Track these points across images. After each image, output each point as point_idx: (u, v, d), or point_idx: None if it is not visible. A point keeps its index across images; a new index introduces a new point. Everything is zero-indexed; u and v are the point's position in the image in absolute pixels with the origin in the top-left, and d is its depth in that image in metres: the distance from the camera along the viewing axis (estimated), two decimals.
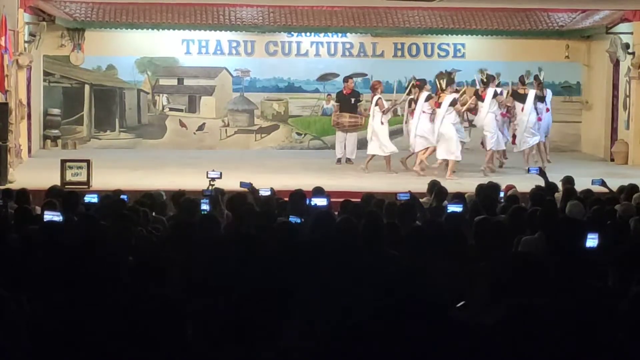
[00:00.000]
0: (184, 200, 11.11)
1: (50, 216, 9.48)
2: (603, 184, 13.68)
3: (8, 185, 15.86)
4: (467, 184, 16.00)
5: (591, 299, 4.76)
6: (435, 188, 13.07)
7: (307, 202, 11.30)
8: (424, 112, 20.03)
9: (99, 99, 25.03)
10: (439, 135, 19.73)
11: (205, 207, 11.05)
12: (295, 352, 3.59)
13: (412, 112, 20.50)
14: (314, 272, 4.50)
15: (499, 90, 20.64)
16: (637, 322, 4.02)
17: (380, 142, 20.35)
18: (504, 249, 8.18)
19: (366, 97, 23.38)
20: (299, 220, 9.44)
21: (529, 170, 14.62)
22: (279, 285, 4.22)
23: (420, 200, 12.69)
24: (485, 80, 20.96)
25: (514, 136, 21.17)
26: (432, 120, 19.94)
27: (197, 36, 25.01)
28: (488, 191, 12.52)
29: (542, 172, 14.16)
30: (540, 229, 8.76)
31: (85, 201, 11.60)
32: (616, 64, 23.55)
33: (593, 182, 13.70)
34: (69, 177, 16.92)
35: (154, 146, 24.94)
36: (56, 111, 24.71)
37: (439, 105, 19.89)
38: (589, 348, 3.33)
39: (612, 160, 23.03)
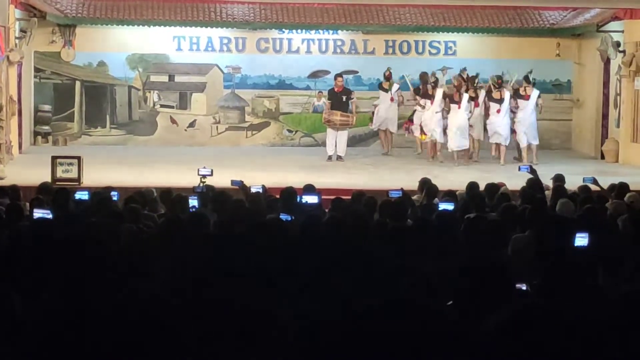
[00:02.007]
0: (175, 197, 11.12)
1: (40, 213, 9.45)
2: (595, 182, 13.67)
3: None
4: (458, 182, 16.00)
5: (581, 298, 4.77)
6: (426, 186, 13.08)
7: (298, 199, 11.30)
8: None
9: (89, 96, 24.99)
10: (531, 125, 22.03)
11: (193, 203, 11.05)
12: (286, 350, 3.59)
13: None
14: (303, 270, 4.50)
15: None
16: (627, 321, 4.03)
17: (465, 135, 21.60)
18: (497, 247, 8.19)
19: (361, 94, 23.40)
20: (289, 218, 9.43)
21: (519, 169, 14.63)
22: (269, 283, 4.22)
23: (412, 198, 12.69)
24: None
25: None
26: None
27: (188, 33, 24.99)
28: (483, 191, 12.53)
29: (532, 170, 14.17)
30: (530, 227, 8.78)
31: (76, 198, 11.57)
32: (607, 62, 23.58)
33: (584, 180, 13.70)
34: (59, 173, 16.89)
35: (144, 143, 24.91)
36: (47, 107, 24.67)
37: (528, 97, 22.00)
38: (579, 347, 3.33)
39: (603, 158, 23.07)
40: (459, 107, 21.54)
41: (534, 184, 13.32)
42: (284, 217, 9.38)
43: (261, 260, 5.50)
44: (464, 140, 21.61)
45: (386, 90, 23.09)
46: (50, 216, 9.26)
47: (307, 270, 4.97)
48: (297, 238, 7.55)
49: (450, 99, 21.77)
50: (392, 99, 22.95)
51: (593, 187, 13.74)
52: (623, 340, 3.92)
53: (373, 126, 23.49)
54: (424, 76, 22.73)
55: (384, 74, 23.27)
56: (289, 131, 25.52)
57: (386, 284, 5.05)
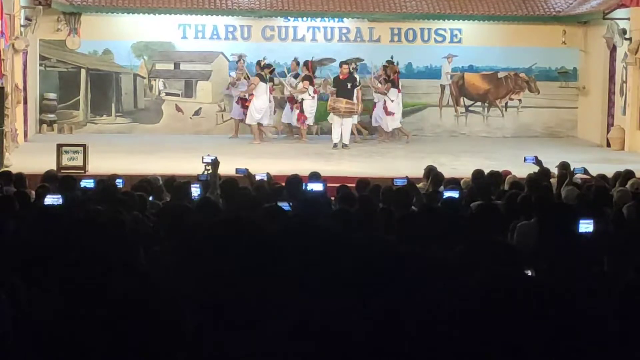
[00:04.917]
0: (175, 184, 11.14)
1: (51, 200, 9.45)
2: (585, 172, 13.54)
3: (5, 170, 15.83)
4: (464, 170, 16.01)
5: (584, 284, 4.77)
6: (432, 173, 13.06)
7: (303, 187, 11.28)
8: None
9: (95, 84, 25.00)
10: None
11: (196, 191, 11.06)
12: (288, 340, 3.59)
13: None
14: (302, 259, 4.47)
15: None
16: (629, 308, 4.03)
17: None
18: (505, 234, 8.20)
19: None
20: (287, 207, 9.33)
21: (525, 160, 14.54)
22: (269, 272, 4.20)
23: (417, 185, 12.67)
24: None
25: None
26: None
27: (193, 21, 24.98)
28: (488, 179, 12.52)
29: (537, 161, 14.11)
30: (536, 215, 8.77)
31: (82, 186, 11.57)
32: (613, 50, 23.55)
33: (575, 171, 13.48)
34: (65, 161, 16.90)
35: (150, 131, 24.92)
36: (52, 95, 24.69)
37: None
38: (579, 333, 3.32)
39: (609, 145, 23.05)
40: (399, 92, 23.28)
41: (541, 172, 13.30)
42: (284, 205, 9.28)
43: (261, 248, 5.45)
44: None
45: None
46: (60, 202, 9.26)
47: (306, 261, 4.94)
48: (295, 228, 7.49)
49: (393, 83, 23.17)
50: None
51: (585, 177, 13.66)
52: (625, 327, 3.92)
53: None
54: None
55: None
56: None
57: (392, 273, 5.03)
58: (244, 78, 23.62)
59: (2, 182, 11.83)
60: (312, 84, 23.16)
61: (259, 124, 23.09)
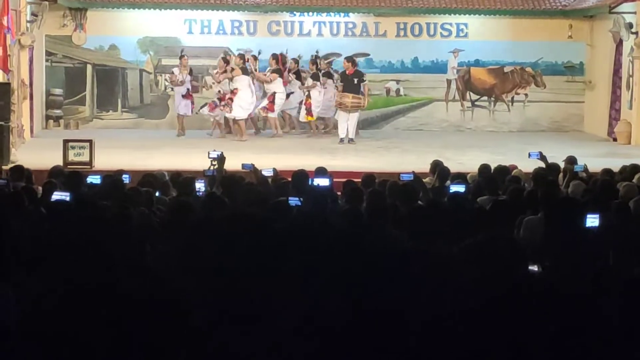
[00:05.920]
0: (181, 180, 11.15)
1: (58, 196, 9.45)
2: (585, 170, 13.47)
3: (11, 166, 15.84)
4: (469, 164, 15.99)
5: (589, 279, 4.77)
6: (438, 168, 13.05)
7: (310, 182, 11.27)
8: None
9: (101, 79, 25.01)
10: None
11: (200, 186, 11.06)
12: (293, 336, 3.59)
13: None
14: (307, 256, 4.46)
15: None
16: (634, 303, 4.02)
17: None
18: (512, 229, 8.21)
19: (372, 77, 23.36)
20: (298, 202, 9.34)
21: (529, 155, 14.51)
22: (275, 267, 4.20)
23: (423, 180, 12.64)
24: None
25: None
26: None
27: (199, 16, 24.97)
28: (495, 174, 12.51)
29: (542, 157, 14.08)
30: (542, 209, 8.77)
31: (88, 182, 11.57)
32: (619, 44, 23.50)
33: (575, 168, 13.39)
34: (71, 157, 16.90)
35: (156, 126, 24.93)
36: (58, 91, 24.71)
37: None
38: (583, 329, 3.32)
39: (615, 140, 23.01)
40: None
41: (551, 169, 13.27)
42: (292, 201, 9.29)
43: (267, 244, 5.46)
44: None
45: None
46: (68, 199, 9.25)
47: (314, 258, 4.94)
48: (300, 225, 7.51)
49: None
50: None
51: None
52: (628, 323, 3.91)
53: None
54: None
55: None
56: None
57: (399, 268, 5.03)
58: (188, 74, 23.24)
59: (13, 178, 11.85)
60: (281, 77, 22.94)
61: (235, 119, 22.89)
